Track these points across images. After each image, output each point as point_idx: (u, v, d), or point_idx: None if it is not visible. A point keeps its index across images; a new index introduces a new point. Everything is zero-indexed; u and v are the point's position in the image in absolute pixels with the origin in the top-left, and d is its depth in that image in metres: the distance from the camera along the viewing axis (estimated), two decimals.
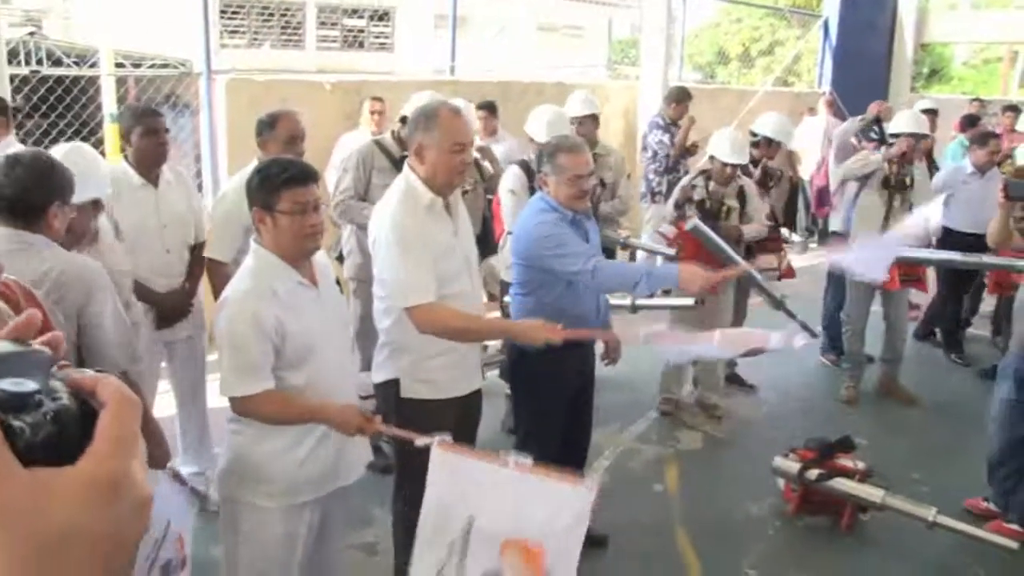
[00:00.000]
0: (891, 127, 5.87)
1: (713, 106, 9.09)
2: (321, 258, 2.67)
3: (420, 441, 2.36)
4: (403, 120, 4.51)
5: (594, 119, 5.42)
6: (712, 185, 5.20)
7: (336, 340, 2.65)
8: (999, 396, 4.24)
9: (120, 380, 0.59)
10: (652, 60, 9.23)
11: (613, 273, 3.48)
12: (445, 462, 2.33)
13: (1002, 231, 4.15)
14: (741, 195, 5.22)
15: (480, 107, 6.20)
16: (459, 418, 3.15)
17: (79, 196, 2.80)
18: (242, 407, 2.46)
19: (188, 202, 3.99)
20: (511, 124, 6.65)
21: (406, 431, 2.58)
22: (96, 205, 3.08)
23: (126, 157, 3.79)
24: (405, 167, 3.00)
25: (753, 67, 18.36)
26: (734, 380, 6.03)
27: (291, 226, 2.44)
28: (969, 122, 9.11)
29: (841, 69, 11.24)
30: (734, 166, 5.09)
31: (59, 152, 2.98)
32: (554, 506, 2.22)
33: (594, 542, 3.82)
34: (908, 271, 5.47)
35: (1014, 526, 4.09)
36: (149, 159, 3.75)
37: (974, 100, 11.63)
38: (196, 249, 3.97)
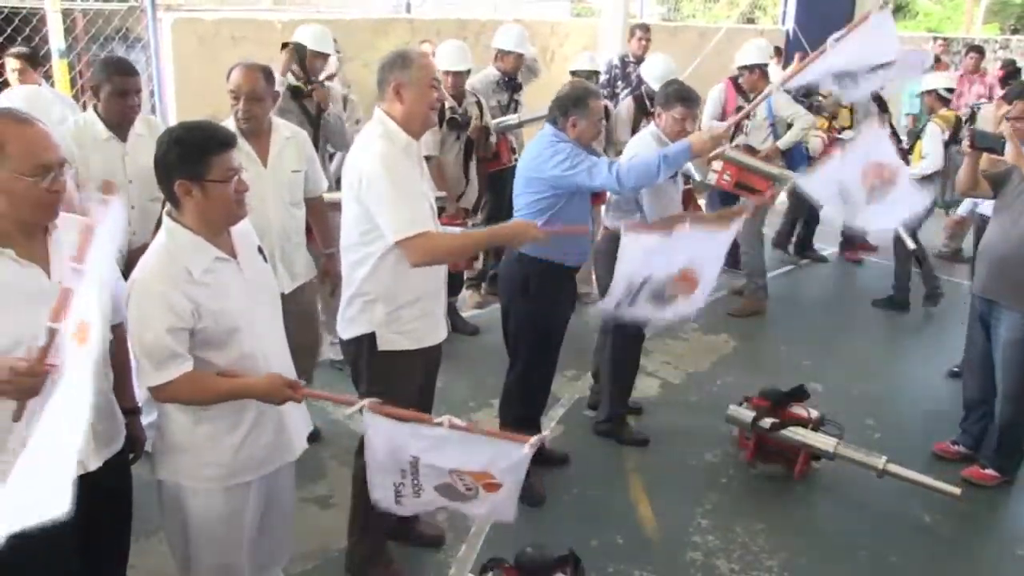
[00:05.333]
0: None
1: (675, 43, 8.93)
2: (241, 225, 2.52)
3: (349, 410, 2.41)
4: (284, 46, 4.90)
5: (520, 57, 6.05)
6: None
7: (261, 312, 2.51)
8: (970, 342, 4.32)
9: None
10: None
11: (635, 169, 3.62)
12: (378, 424, 2.35)
13: (969, 179, 4.13)
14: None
15: None
16: (426, 368, 3.22)
17: None
18: (164, 395, 2.33)
19: None
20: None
21: (334, 395, 2.64)
22: None
23: (95, 108, 3.64)
24: (377, 111, 2.97)
25: (718, 1, 18.11)
26: None
27: (223, 194, 2.32)
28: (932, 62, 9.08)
29: (804, 4, 11.08)
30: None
31: None
32: (493, 453, 2.35)
33: (556, 460, 4.25)
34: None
35: (990, 471, 4.20)
36: (118, 117, 3.63)
37: (937, 39, 11.59)
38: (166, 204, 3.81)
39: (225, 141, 2.33)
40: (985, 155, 4.09)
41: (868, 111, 7.25)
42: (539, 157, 3.71)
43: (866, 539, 3.80)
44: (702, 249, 3.63)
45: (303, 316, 3.87)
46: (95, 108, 3.65)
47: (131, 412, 2.54)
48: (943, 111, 6.41)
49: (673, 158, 3.61)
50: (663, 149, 3.73)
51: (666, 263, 3.56)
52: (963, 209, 6.51)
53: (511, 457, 2.32)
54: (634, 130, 6.29)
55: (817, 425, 4.16)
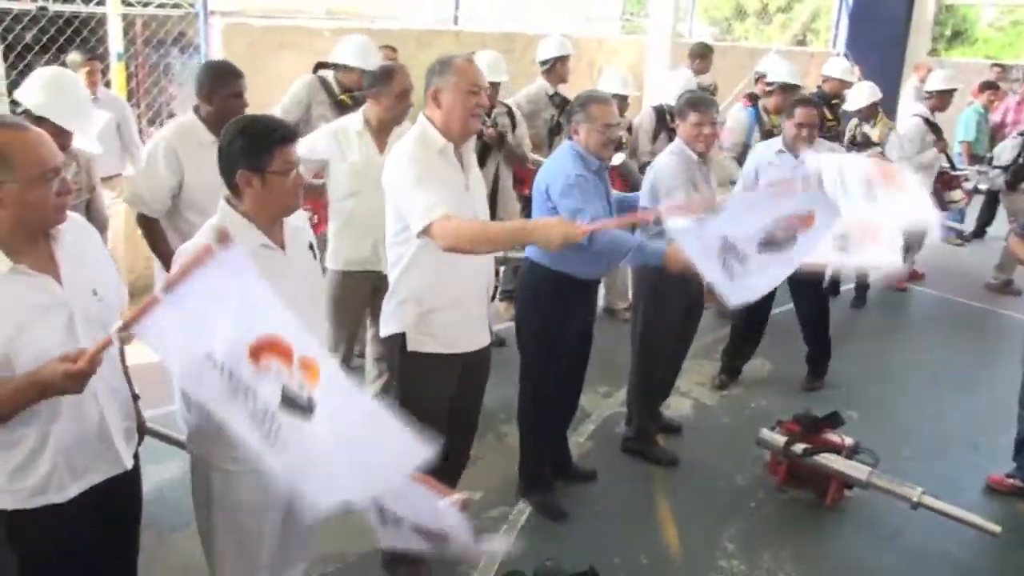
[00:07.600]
0: None
1: (723, 63, 8.87)
2: (295, 220, 2.60)
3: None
4: (321, 65, 5.12)
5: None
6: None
7: (303, 305, 2.54)
8: None
9: None
10: (660, 13, 9.02)
11: (608, 241, 3.47)
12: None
13: None
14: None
15: None
16: (465, 375, 3.20)
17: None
18: None
19: None
20: (516, 77, 6.53)
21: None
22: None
23: (197, 112, 3.66)
24: (420, 116, 3.04)
25: (771, 23, 18.00)
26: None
27: (282, 185, 2.39)
28: (987, 87, 8.90)
29: (857, 29, 10.93)
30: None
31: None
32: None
33: (582, 477, 4.22)
34: None
35: None
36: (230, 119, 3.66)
37: (995, 65, 11.36)
38: None
39: (287, 135, 2.41)
40: None
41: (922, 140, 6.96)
42: (553, 166, 3.70)
43: (895, 572, 3.69)
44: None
45: None
46: (197, 112, 3.66)
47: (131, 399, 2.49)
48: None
49: (643, 255, 3.49)
50: (642, 241, 3.56)
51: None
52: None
53: (435, 509, 2.10)
54: (654, 140, 6.31)
55: (851, 453, 4.06)
